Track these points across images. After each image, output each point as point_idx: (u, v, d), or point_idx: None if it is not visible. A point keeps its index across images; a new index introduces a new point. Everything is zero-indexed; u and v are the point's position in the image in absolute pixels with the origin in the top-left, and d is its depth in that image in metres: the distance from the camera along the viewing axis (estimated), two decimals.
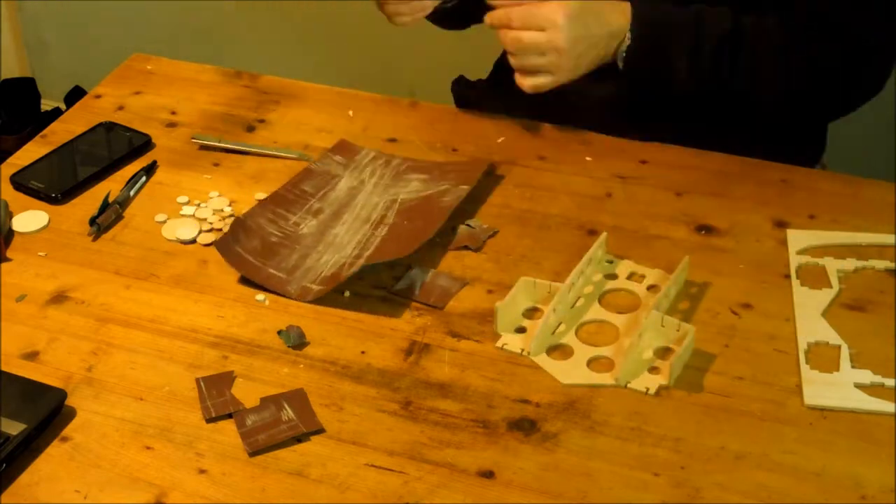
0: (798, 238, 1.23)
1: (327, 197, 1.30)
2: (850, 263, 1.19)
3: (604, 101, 1.41)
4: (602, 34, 1.31)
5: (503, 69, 1.55)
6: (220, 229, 1.26)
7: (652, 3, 1.32)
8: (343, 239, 1.24)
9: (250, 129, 1.44)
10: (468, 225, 1.26)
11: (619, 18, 1.31)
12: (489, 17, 1.33)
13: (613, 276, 1.19)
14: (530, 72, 1.32)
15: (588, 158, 1.36)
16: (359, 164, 1.35)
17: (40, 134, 1.44)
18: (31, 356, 1.12)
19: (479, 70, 1.61)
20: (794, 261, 1.20)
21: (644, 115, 1.41)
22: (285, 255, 1.22)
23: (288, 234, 1.25)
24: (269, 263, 1.21)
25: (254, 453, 1.02)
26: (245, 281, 1.19)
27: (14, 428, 1.01)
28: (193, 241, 1.25)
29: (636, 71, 1.33)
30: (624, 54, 1.32)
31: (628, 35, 1.31)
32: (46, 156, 1.39)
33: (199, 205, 1.31)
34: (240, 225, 1.25)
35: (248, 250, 1.22)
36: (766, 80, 1.33)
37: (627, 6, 1.32)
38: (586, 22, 1.30)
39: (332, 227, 1.26)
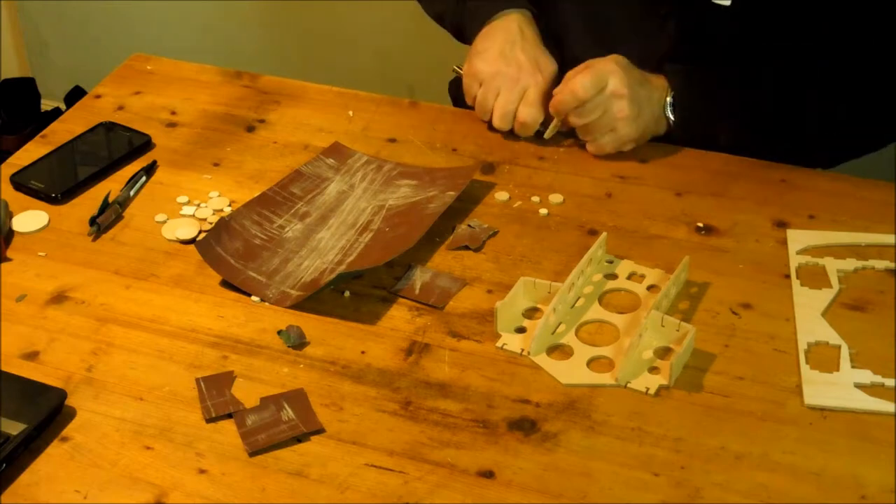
0: (798, 238, 1.23)
1: (315, 200, 1.29)
2: (850, 263, 1.19)
3: None
4: (644, 79, 1.33)
5: None
6: None
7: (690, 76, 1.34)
8: (327, 244, 1.23)
9: (250, 129, 1.44)
10: (468, 225, 1.26)
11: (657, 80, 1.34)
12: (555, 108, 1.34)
13: (613, 276, 1.19)
14: (593, 136, 1.34)
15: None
16: (350, 167, 1.34)
17: (40, 134, 1.44)
18: (31, 356, 1.12)
19: None
20: (794, 261, 1.20)
21: None
22: (267, 258, 1.21)
23: (272, 237, 1.24)
24: (250, 266, 1.20)
25: (254, 453, 1.02)
26: (226, 283, 1.19)
27: (14, 428, 1.01)
28: (193, 241, 1.25)
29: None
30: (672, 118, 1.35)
31: (668, 98, 1.34)
32: (46, 156, 1.39)
33: (199, 205, 1.31)
34: (223, 226, 1.24)
35: (229, 252, 1.21)
36: (810, 126, 1.36)
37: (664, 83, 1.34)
38: (629, 68, 1.31)
39: (317, 232, 1.25)
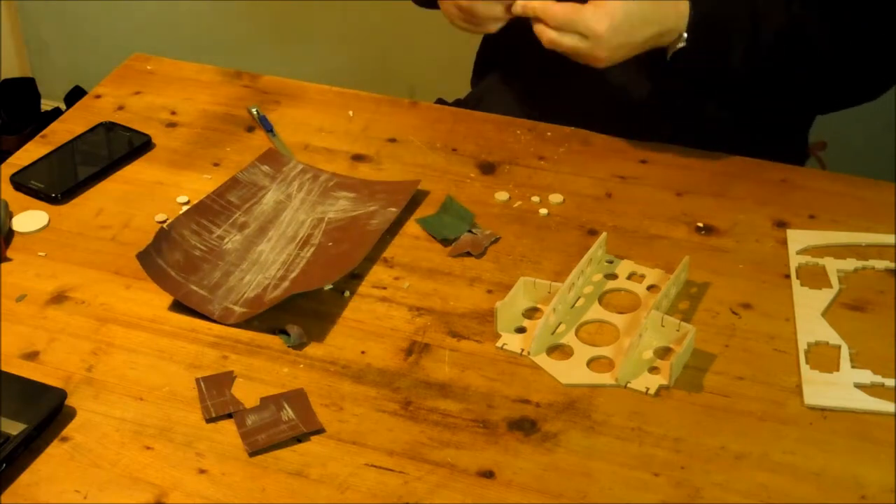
0: (798, 238, 1.23)
1: (253, 210, 1.28)
2: (850, 263, 1.20)
3: (604, 102, 1.42)
4: (647, 37, 1.25)
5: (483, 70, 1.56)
6: None
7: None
8: (268, 258, 1.21)
9: (250, 129, 1.44)
10: (470, 231, 1.26)
11: (670, 17, 1.26)
12: (522, 6, 1.26)
13: (613, 276, 1.19)
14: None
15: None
16: (286, 176, 1.33)
17: (40, 134, 1.44)
18: (31, 356, 1.12)
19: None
20: (794, 261, 1.20)
21: (644, 116, 1.41)
22: (208, 270, 1.19)
23: (211, 248, 1.22)
24: (191, 279, 1.18)
25: (254, 453, 1.02)
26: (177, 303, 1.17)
27: (14, 428, 1.01)
28: None
29: (689, 70, 1.29)
30: (676, 52, 1.27)
31: (683, 35, 1.26)
32: (46, 156, 1.39)
33: None
34: (163, 235, 1.22)
35: (170, 263, 1.19)
36: (816, 73, 1.33)
37: (684, 3, 1.26)
38: (631, 30, 1.23)
39: (256, 244, 1.23)
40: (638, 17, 1.24)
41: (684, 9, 1.26)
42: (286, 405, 1.06)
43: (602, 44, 1.23)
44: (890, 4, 1.30)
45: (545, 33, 1.25)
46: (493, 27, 1.31)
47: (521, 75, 1.50)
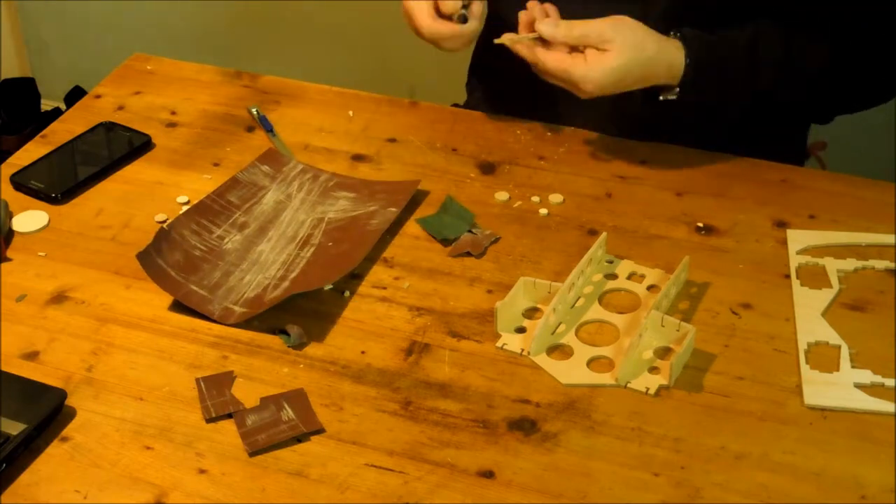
0: (798, 238, 1.23)
1: (253, 210, 1.28)
2: (850, 263, 1.20)
3: (600, 115, 1.41)
4: (636, 87, 1.28)
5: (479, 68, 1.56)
6: None
7: (705, 41, 1.28)
8: (268, 258, 1.21)
9: (250, 129, 1.44)
10: (470, 231, 1.26)
11: (661, 76, 1.27)
12: (510, 39, 1.28)
13: (613, 276, 1.19)
14: None
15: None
16: (286, 176, 1.33)
17: (40, 134, 1.44)
18: (31, 356, 1.12)
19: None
20: (794, 261, 1.20)
21: (644, 117, 1.41)
22: (208, 270, 1.19)
23: (211, 248, 1.22)
24: (191, 279, 1.18)
25: (254, 453, 1.02)
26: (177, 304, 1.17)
27: (14, 428, 1.01)
28: None
29: (687, 102, 1.31)
30: (675, 93, 1.29)
31: (675, 90, 1.28)
32: (46, 156, 1.39)
33: None
34: (163, 235, 1.22)
35: (170, 263, 1.19)
36: (812, 98, 1.35)
37: (678, 62, 1.27)
38: (619, 85, 1.25)
39: (256, 244, 1.23)
40: (630, 76, 1.26)
41: (679, 65, 1.27)
42: (286, 405, 1.06)
43: (588, 94, 1.26)
44: (887, 22, 1.31)
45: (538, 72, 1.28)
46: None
47: (514, 90, 1.49)
